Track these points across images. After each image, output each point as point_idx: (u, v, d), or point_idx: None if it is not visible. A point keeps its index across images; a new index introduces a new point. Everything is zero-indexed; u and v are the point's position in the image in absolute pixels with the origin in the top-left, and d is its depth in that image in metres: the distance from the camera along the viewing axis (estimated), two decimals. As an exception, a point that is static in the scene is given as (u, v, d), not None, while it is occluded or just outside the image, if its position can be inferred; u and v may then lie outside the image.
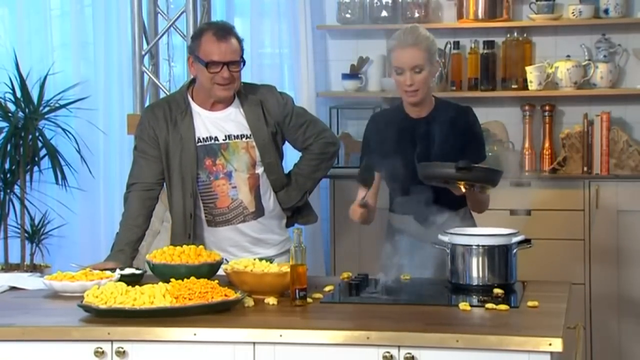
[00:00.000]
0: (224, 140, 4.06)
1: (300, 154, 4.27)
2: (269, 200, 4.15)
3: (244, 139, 4.07)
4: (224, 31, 4.00)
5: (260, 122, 4.08)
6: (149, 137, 4.09)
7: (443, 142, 3.89)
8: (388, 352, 3.00)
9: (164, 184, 4.14)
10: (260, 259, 3.61)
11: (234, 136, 4.07)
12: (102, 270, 3.77)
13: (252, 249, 4.10)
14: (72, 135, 5.73)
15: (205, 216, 4.11)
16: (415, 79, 3.88)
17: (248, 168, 4.08)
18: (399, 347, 3.01)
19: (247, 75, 6.02)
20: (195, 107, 4.10)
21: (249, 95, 4.12)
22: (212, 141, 4.07)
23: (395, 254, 3.83)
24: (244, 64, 4.03)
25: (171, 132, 4.06)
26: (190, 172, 4.05)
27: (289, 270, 3.39)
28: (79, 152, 5.71)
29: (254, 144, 4.08)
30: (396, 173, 3.92)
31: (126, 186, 4.14)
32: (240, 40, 4.05)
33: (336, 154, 4.29)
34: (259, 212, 4.12)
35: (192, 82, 4.16)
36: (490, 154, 5.62)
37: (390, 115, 4.10)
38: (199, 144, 4.06)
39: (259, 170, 4.11)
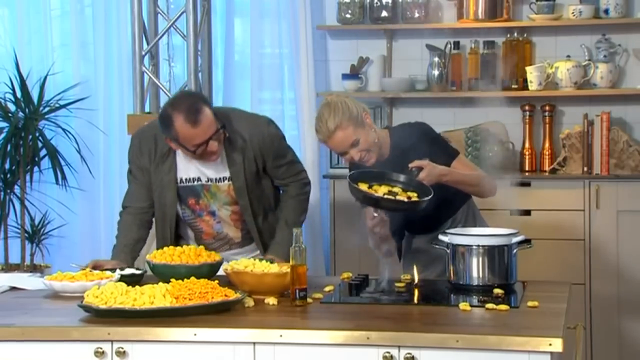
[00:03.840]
0: (206, 182, 4.03)
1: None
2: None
3: (225, 181, 4.03)
4: (195, 112, 3.80)
5: (239, 166, 4.00)
6: (137, 165, 4.09)
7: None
8: (388, 352, 3.01)
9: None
10: (260, 259, 3.62)
11: (216, 179, 4.03)
12: (102, 270, 3.77)
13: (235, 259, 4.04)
14: (72, 136, 5.73)
15: (195, 239, 4.11)
16: (359, 150, 3.83)
17: (231, 206, 4.06)
18: (399, 347, 3.01)
19: (247, 75, 6.05)
20: (173, 147, 4.00)
21: (232, 137, 3.98)
22: (195, 182, 4.03)
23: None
24: (224, 127, 3.90)
25: (153, 171, 4.04)
26: (170, 212, 4.05)
27: (289, 270, 3.40)
28: (79, 152, 5.71)
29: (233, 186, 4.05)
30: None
31: (122, 205, 4.17)
32: (210, 106, 3.90)
33: (310, 191, 4.22)
34: (246, 241, 4.12)
35: None
36: (490, 154, 5.64)
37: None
38: (182, 184, 4.04)
39: None
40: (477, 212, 4.08)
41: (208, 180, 4.02)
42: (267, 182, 4.11)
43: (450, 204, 3.94)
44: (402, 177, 3.73)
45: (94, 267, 3.85)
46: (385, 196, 3.62)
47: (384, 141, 3.93)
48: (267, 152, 4.03)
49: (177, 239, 4.12)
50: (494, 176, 4.00)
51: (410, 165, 3.72)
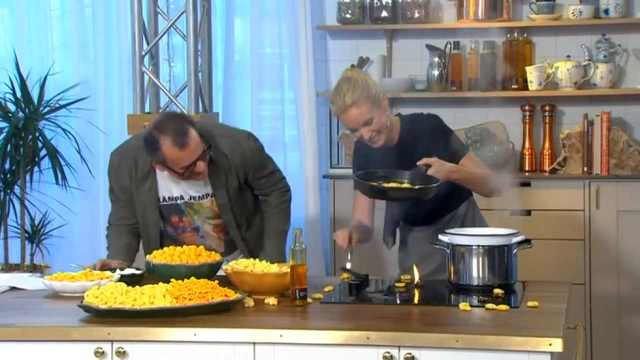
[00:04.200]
0: (189, 200, 4.04)
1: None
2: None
3: (208, 198, 4.04)
4: (182, 135, 3.80)
5: (221, 183, 4.01)
6: (118, 184, 4.08)
7: (418, 159, 3.81)
8: (388, 352, 3.00)
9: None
10: (260, 260, 3.62)
11: (199, 197, 4.04)
12: (102, 270, 3.78)
13: None
14: (72, 136, 5.73)
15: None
16: (370, 129, 3.82)
17: (214, 219, 4.07)
18: (399, 347, 3.01)
19: (247, 75, 6.04)
20: (159, 170, 4.00)
21: (214, 156, 3.96)
22: (178, 201, 4.04)
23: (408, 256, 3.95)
24: (210, 148, 3.91)
25: (134, 191, 4.03)
26: (154, 231, 4.06)
27: (289, 270, 3.39)
28: (79, 152, 5.71)
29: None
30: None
31: (107, 222, 4.17)
32: (195, 127, 3.86)
33: (291, 197, 4.22)
34: (229, 249, 4.14)
35: None
36: (490, 154, 5.64)
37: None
38: (164, 202, 4.04)
39: None
40: (478, 210, 4.08)
41: (191, 198, 4.03)
42: (249, 193, 4.13)
43: (452, 199, 3.95)
44: (407, 174, 3.76)
45: (102, 267, 3.85)
46: (392, 185, 3.68)
47: (395, 127, 3.93)
48: (248, 166, 4.05)
49: None
50: (500, 176, 4.01)
51: (419, 162, 3.73)
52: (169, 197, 4.04)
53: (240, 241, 4.10)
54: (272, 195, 4.15)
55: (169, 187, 4.02)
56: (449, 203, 3.96)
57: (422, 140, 3.89)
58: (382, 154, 3.89)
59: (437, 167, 3.73)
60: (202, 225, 4.08)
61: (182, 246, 3.98)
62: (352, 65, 6.01)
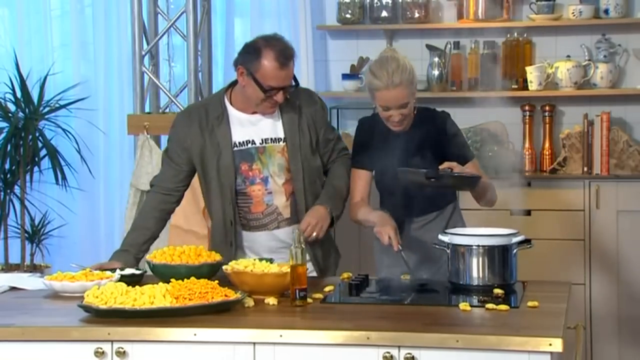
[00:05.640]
0: (260, 144, 3.98)
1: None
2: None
3: (280, 143, 3.99)
4: (286, 57, 3.85)
5: (295, 127, 3.98)
6: (178, 144, 4.03)
7: (426, 151, 3.89)
8: (388, 352, 3.01)
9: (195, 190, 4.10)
10: (261, 259, 3.61)
11: (271, 139, 3.99)
12: (102, 270, 3.77)
13: (286, 255, 3.82)
14: (72, 136, 5.74)
15: (240, 220, 4.04)
16: (401, 113, 3.86)
17: (284, 173, 3.99)
18: (399, 347, 3.01)
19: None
20: (232, 111, 4.00)
21: (291, 99, 3.98)
22: (249, 145, 3.98)
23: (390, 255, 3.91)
24: (297, 84, 3.95)
25: (207, 139, 3.98)
26: (229, 179, 3.98)
27: (289, 270, 3.40)
28: (79, 152, 5.71)
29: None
30: (384, 181, 3.98)
31: (149, 184, 4.16)
32: (295, 60, 3.93)
33: None
34: (295, 219, 4.02)
35: (232, 84, 4.05)
36: (490, 154, 5.64)
37: (377, 123, 4.01)
38: (235, 148, 3.98)
39: None
40: (461, 215, 4.12)
41: (263, 142, 3.98)
42: (319, 161, 4.07)
43: (440, 197, 4.02)
44: (446, 172, 3.79)
45: (99, 268, 3.84)
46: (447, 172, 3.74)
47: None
48: (319, 122, 4.04)
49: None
50: (500, 180, 4.04)
51: (441, 166, 3.75)
52: (239, 142, 3.98)
53: (302, 201, 3.98)
54: (338, 161, 4.11)
55: (242, 130, 3.98)
56: (435, 200, 3.99)
57: (430, 134, 3.92)
58: (386, 139, 3.92)
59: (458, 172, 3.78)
60: (270, 178, 4.00)
61: (249, 204, 3.97)
62: (352, 65, 6.01)
